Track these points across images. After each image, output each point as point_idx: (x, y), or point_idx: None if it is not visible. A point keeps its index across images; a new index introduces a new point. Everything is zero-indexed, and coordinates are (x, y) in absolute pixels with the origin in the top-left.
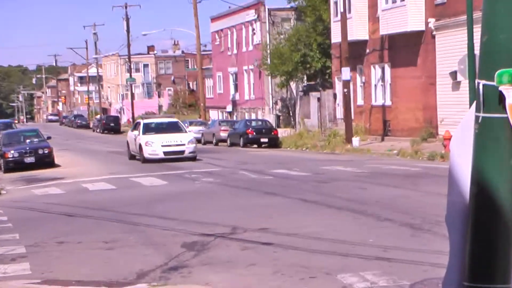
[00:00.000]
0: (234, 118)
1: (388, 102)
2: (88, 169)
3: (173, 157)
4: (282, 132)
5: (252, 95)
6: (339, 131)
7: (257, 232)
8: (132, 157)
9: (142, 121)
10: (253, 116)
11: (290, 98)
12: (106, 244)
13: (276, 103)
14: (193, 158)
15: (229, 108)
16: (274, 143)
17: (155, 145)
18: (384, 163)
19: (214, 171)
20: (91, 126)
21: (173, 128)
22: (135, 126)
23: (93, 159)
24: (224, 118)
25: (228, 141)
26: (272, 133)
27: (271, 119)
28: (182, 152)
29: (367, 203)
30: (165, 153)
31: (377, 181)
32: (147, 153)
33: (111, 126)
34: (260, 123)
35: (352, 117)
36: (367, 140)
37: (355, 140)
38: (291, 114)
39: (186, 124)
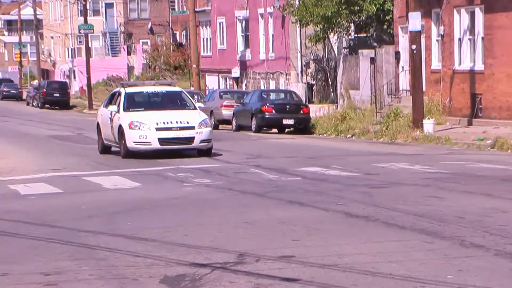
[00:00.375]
0: (243, 88)
1: (480, 66)
2: (19, 162)
3: (175, 148)
4: (315, 110)
5: (270, 54)
6: (403, 109)
7: (276, 261)
8: (105, 149)
9: (123, 90)
10: (272, 86)
11: (329, 59)
12: (46, 277)
13: (307, 65)
14: (206, 151)
15: (236, 72)
16: (304, 126)
17: (146, 127)
18: (472, 160)
19: (213, 168)
20: (24, 97)
21: (174, 101)
22: (112, 99)
23: (27, 148)
24: (228, 88)
25: (234, 123)
26: (301, 112)
27: (299, 90)
28: (190, 140)
29: (445, 219)
30: (162, 141)
31: (460, 187)
32: (133, 140)
33: (56, 97)
34: (282, 96)
35: (424, 88)
36: (445, 123)
37: (428, 124)
38: (329, 83)
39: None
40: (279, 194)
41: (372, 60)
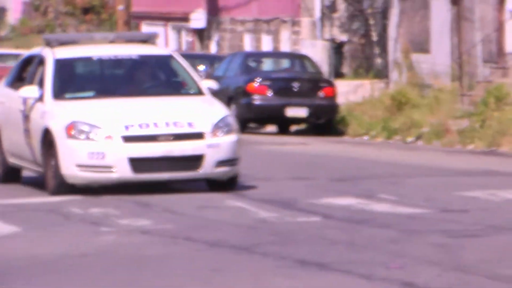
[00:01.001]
0: (213, 51)
1: None
2: None
3: (164, 178)
4: (348, 91)
5: None
6: (511, 88)
7: None
8: (9, 173)
9: (49, 54)
10: (267, 46)
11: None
12: None
13: (332, 7)
14: (228, 183)
15: (199, 20)
16: (326, 121)
17: (102, 134)
18: None
19: (155, 198)
20: None
21: (158, 78)
22: (22, 70)
23: None
24: (185, 49)
25: None
26: (320, 94)
27: (317, 53)
28: (196, 161)
29: None
30: (137, 163)
31: None
32: (75, 162)
33: None
34: (286, 64)
35: None
36: None
37: None
38: (374, 41)
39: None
40: (281, 249)
41: (454, 3)
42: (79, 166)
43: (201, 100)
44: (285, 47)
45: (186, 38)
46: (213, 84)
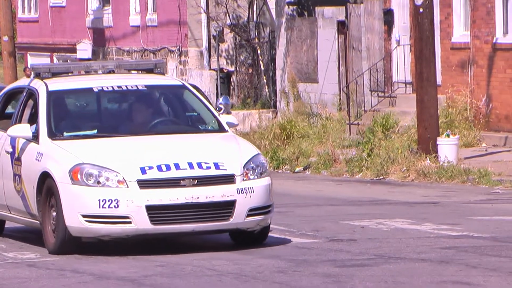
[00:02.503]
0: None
1: None
2: None
3: (187, 230)
4: (235, 121)
5: (150, 15)
6: (399, 118)
7: None
8: None
9: (41, 87)
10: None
11: (261, 25)
12: None
13: (220, 37)
14: (259, 234)
15: (85, 50)
16: None
17: (115, 177)
18: None
19: None
20: None
21: (172, 113)
22: (5, 105)
23: None
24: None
25: None
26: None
27: (204, 82)
28: (226, 208)
29: None
30: (156, 212)
31: (510, 265)
32: (82, 212)
33: None
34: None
35: (438, 79)
36: (479, 144)
37: (447, 146)
38: (261, 70)
39: None
40: (169, 281)
41: (342, 27)
42: (87, 216)
43: (223, 138)
44: (174, 74)
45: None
46: (233, 119)
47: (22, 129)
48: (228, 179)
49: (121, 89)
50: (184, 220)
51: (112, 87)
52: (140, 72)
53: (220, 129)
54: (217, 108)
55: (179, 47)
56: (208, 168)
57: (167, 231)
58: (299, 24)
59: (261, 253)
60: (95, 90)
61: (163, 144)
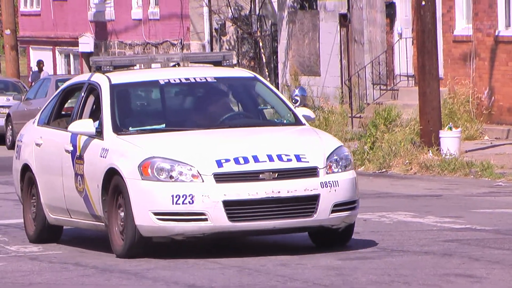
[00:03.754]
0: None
1: None
2: None
3: (267, 226)
4: None
5: (152, 9)
6: (401, 111)
7: None
8: (46, 232)
9: (104, 81)
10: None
11: (263, 18)
12: None
13: (222, 30)
14: (343, 234)
15: (87, 43)
16: None
17: (188, 171)
18: None
19: None
20: None
21: (243, 106)
22: (63, 102)
23: None
24: (75, 72)
25: None
26: None
27: None
28: (309, 203)
29: None
30: (235, 208)
31: None
32: (154, 209)
33: None
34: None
35: (441, 72)
36: (482, 137)
37: (449, 139)
38: (263, 63)
39: None
40: (172, 273)
41: (344, 20)
42: (160, 214)
43: (301, 130)
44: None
45: (75, 60)
46: (309, 112)
47: (85, 125)
48: (311, 172)
49: (189, 81)
50: (264, 217)
51: (180, 79)
52: (206, 65)
53: (297, 122)
54: (293, 100)
55: (181, 40)
56: (289, 160)
57: (246, 229)
58: (301, 17)
59: (264, 246)
60: (161, 82)
61: (238, 137)
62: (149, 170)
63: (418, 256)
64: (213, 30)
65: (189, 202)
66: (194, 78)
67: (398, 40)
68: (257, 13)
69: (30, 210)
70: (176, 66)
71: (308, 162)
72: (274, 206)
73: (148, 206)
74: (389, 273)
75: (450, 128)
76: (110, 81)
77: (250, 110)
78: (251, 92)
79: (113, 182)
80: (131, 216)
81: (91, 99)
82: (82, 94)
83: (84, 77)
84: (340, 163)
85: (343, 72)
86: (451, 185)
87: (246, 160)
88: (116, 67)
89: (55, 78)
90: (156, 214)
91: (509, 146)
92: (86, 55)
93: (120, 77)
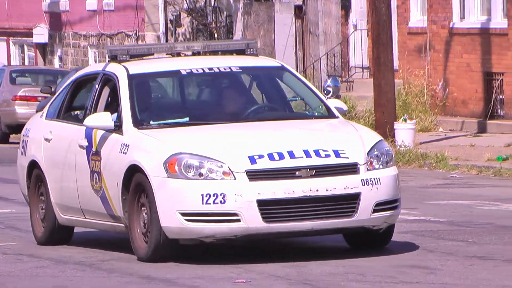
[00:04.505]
0: (57, 65)
1: (500, 22)
2: None
3: (304, 228)
4: None
5: (107, 0)
6: (355, 102)
7: None
8: (56, 234)
9: (121, 71)
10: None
11: (218, 9)
12: None
13: (177, 21)
14: (383, 235)
15: (42, 35)
16: None
17: (219, 169)
18: (487, 197)
19: None
20: None
21: (270, 98)
22: (74, 94)
23: None
24: (28, 63)
25: None
26: None
27: None
28: (349, 202)
29: None
30: (270, 208)
31: (467, 249)
32: (182, 209)
33: None
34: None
35: (395, 64)
36: (436, 129)
37: (403, 130)
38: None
39: None
40: (127, 265)
41: (299, 11)
42: (188, 214)
43: (337, 123)
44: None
45: (28, 53)
46: (342, 104)
47: (102, 118)
48: (351, 168)
49: (213, 71)
50: (301, 217)
51: (203, 69)
52: (229, 54)
53: (330, 114)
54: (325, 91)
55: (136, 31)
56: (327, 156)
57: (282, 230)
58: (256, 9)
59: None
60: (183, 72)
61: (270, 131)
62: (176, 167)
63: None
64: (168, 22)
65: (221, 201)
66: (218, 68)
67: (353, 32)
68: (212, 4)
69: (38, 210)
70: (197, 55)
71: (347, 158)
72: (312, 205)
73: (175, 206)
74: (343, 264)
75: (405, 120)
76: (128, 71)
77: (278, 102)
78: (278, 83)
79: (135, 180)
80: (156, 217)
81: (106, 91)
82: (96, 85)
83: (97, 67)
84: (381, 159)
85: (298, 63)
86: (405, 176)
87: (281, 156)
88: (133, 56)
89: (9, 69)
90: (184, 214)
91: (463, 138)
92: (41, 46)
93: (139, 66)
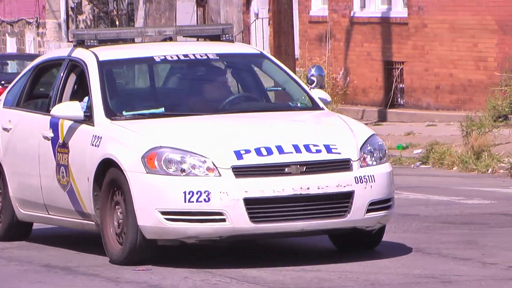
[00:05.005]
0: None
1: (400, 12)
2: None
3: (295, 228)
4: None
5: None
6: None
7: None
8: (15, 227)
9: (90, 57)
10: (11, 48)
11: None
12: None
13: (78, 9)
14: (374, 236)
15: None
16: None
17: (203, 164)
18: None
19: None
20: None
21: (249, 87)
22: (35, 80)
23: None
24: None
25: None
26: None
27: None
28: (342, 201)
29: None
30: (258, 207)
31: None
32: (161, 207)
33: None
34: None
35: (296, 52)
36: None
37: None
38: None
39: None
40: (27, 253)
41: (201, 0)
42: (169, 213)
43: (323, 115)
44: (30, 49)
45: None
46: (325, 95)
47: (71, 108)
48: (344, 165)
49: (188, 58)
50: (291, 217)
51: (177, 56)
52: (202, 40)
53: (314, 106)
54: (308, 81)
55: (37, 18)
56: (319, 151)
57: (270, 231)
58: None
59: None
60: (157, 59)
61: (255, 124)
62: (156, 162)
63: None
64: (69, 9)
65: (205, 199)
66: (194, 55)
67: (255, 20)
68: None
69: None
70: (168, 40)
71: (340, 153)
72: (303, 204)
73: (154, 204)
74: (244, 251)
75: None
76: (97, 57)
77: (259, 92)
78: (257, 71)
79: (108, 175)
80: (133, 215)
81: (72, 78)
82: (62, 73)
83: (61, 52)
84: (374, 155)
85: None
86: None
87: (269, 151)
88: (101, 42)
89: None
90: (164, 213)
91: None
92: None
93: (108, 52)
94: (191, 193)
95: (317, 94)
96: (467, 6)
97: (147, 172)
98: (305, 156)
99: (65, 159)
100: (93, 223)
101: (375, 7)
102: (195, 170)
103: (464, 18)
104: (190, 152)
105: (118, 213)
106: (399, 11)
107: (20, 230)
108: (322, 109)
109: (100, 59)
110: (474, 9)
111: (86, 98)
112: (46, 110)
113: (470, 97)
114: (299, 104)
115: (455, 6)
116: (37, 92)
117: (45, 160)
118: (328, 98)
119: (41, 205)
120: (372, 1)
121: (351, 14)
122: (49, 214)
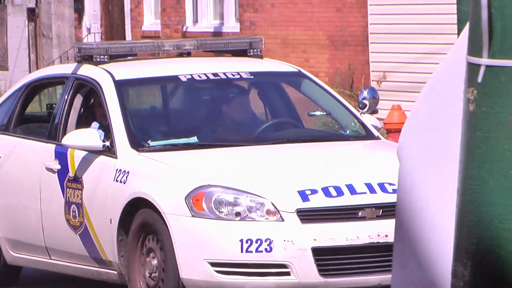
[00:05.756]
0: None
1: (232, 26)
2: None
3: (370, 283)
4: None
5: None
6: None
7: None
8: (3, 272)
9: (105, 78)
10: None
11: None
12: None
13: None
14: None
15: None
16: None
17: (261, 207)
18: None
19: None
20: None
21: (289, 111)
22: (23, 106)
23: None
24: None
25: None
26: None
27: None
28: None
29: None
30: (327, 256)
31: None
32: (215, 257)
33: None
34: None
35: None
36: None
37: None
38: None
39: None
40: None
41: (32, 14)
42: (221, 265)
43: (385, 147)
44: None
45: None
46: (376, 121)
47: (87, 137)
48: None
49: (219, 77)
50: (367, 270)
51: (206, 74)
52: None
53: (368, 135)
54: (359, 105)
55: None
56: (395, 191)
57: (343, 286)
58: None
59: None
60: (183, 79)
61: (315, 158)
62: (204, 204)
63: None
64: None
65: (266, 249)
66: (225, 74)
67: (87, 35)
68: None
69: None
70: (188, 55)
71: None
72: (381, 255)
73: (202, 253)
74: None
75: None
76: (113, 77)
77: (295, 117)
78: (296, 93)
79: (139, 217)
80: (174, 266)
81: (78, 100)
82: (66, 93)
83: (62, 69)
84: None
85: (32, 66)
86: None
87: (339, 192)
88: (113, 57)
89: None
90: (214, 264)
91: None
92: None
93: (125, 70)
94: (249, 242)
95: (369, 120)
96: (299, 21)
97: (192, 216)
98: (381, 197)
99: (77, 196)
100: (115, 272)
101: (207, 21)
102: (252, 213)
103: (296, 33)
104: (245, 192)
105: (152, 263)
106: (231, 26)
107: (8, 275)
108: (378, 138)
109: (117, 78)
110: (306, 24)
111: (94, 124)
112: (48, 136)
113: None
114: (348, 131)
115: (286, 22)
116: (29, 115)
117: (49, 196)
118: (379, 125)
119: (41, 248)
120: (204, 16)
121: (184, 29)
122: (51, 259)
